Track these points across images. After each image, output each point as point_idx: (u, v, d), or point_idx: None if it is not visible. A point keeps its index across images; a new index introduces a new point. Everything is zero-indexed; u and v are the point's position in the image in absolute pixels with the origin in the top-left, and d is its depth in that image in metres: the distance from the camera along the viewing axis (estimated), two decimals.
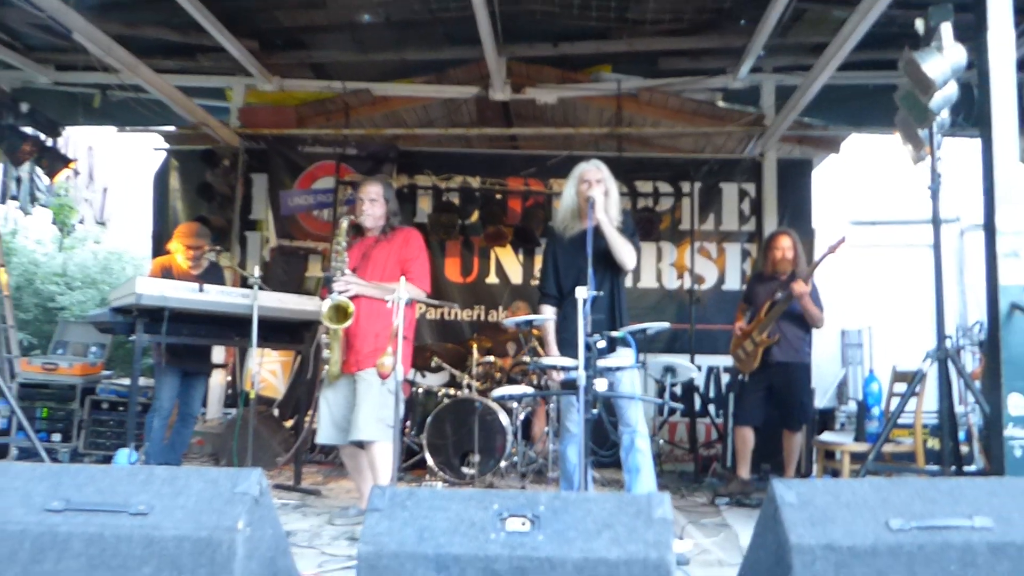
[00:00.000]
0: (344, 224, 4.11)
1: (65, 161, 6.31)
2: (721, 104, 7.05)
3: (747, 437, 5.20)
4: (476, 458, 5.22)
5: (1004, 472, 3.19)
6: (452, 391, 5.68)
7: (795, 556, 2.01)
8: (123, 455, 4.20)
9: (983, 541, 2.04)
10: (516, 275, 7.42)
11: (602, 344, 3.24)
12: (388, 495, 2.22)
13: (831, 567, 2.01)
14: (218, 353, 6.46)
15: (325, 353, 4.07)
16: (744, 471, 5.19)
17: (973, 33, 3.54)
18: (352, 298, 3.97)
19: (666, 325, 3.55)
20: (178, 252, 5.26)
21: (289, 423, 6.61)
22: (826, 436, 5.28)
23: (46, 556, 2.05)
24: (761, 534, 2.28)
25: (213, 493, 2.16)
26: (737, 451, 5.27)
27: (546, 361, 3.62)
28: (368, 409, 3.91)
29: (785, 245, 5.27)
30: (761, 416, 5.24)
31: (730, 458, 5.87)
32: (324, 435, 4.13)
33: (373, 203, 4.15)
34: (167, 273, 5.18)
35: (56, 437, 5.97)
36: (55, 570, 2.05)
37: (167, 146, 7.80)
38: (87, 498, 2.16)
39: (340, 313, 3.90)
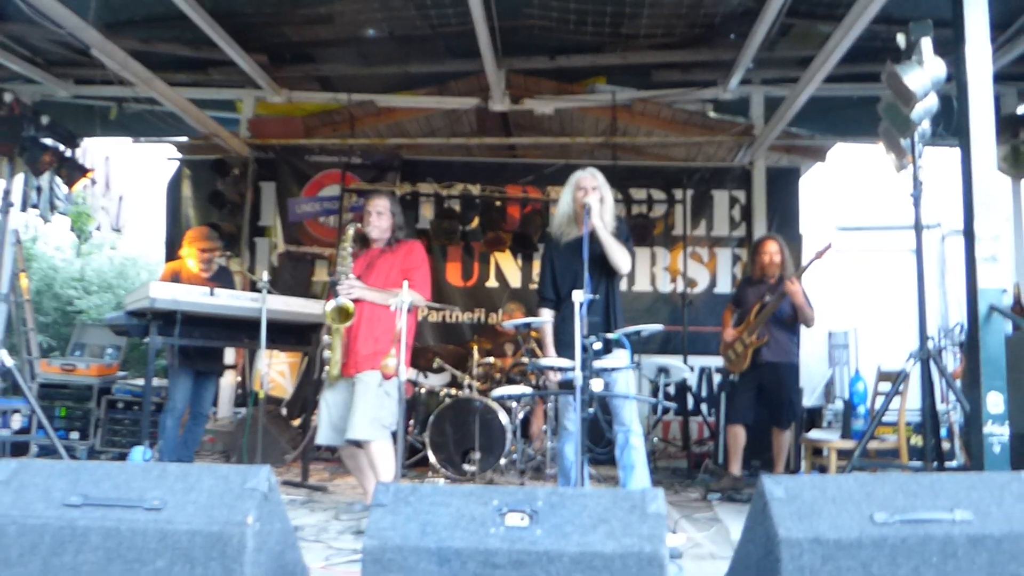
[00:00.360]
0: (350, 231, 4.16)
1: (83, 171, 6.33)
2: (712, 115, 7.11)
3: (738, 435, 5.29)
4: (477, 456, 5.29)
5: (984, 467, 3.26)
6: (453, 391, 5.76)
7: (783, 549, 2.04)
8: (138, 452, 4.25)
9: (963, 533, 2.06)
10: (515, 279, 7.51)
11: (598, 345, 3.28)
12: (392, 491, 2.24)
13: (818, 559, 2.03)
14: (228, 354, 6.51)
15: (326, 354, 4.10)
16: (735, 468, 5.27)
17: (952, 47, 3.64)
18: (354, 302, 4.01)
19: (659, 327, 3.59)
20: (190, 256, 5.32)
21: (296, 422, 6.67)
22: (814, 434, 5.37)
23: (65, 549, 2.08)
24: (751, 528, 2.30)
25: (224, 489, 2.18)
26: (729, 448, 5.35)
27: (544, 362, 3.65)
28: (363, 409, 3.92)
29: (772, 250, 5.38)
30: (752, 415, 5.32)
31: (721, 455, 5.96)
32: (323, 436, 4.14)
33: (380, 216, 4.20)
34: (176, 278, 5.23)
35: (74, 435, 6.05)
36: (74, 562, 2.07)
37: (180, 156, 7.94)
38: (104, 493, 2.18)
39: (342, 314, 3.95)
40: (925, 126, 3.83)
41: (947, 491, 2.19)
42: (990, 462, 3.27)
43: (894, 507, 2.14)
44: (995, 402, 3.32)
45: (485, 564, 2.08)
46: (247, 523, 2.08)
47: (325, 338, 4.16)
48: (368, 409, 3.92)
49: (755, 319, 5.27)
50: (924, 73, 3.67)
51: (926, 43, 3.70)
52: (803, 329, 5.37)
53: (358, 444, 4.00)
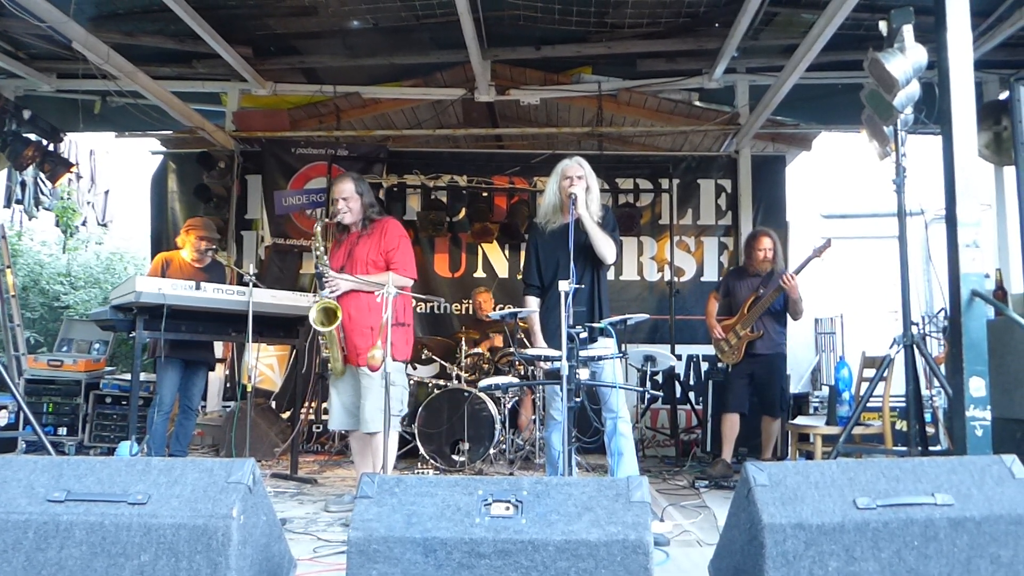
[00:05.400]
0: (318, 229, 4.11)
1: (67, 165, 6.31)
2: (697, 104, 7.12)
3: (734, 423, 5.36)
4: (466, 446, 5.33)
5: (967, 451, 3.23)
6: (442, 382, 5.79)
7: (767, 534, 2.06)
8: (125, 447, 4.25)
9: (944, 517, 2.10)
10: (502, 270, 7.53)
11: (584, 335, 3.28)
12: (377, 482, 2.25)
13: (801, 544, 2.06)
14: (218, 347, 6.46)
15: (325, 353, 4.14)
16: (729, 454, 5.33)
17: (933, 35, 3.63)
18: (344, 294, 4.04)
19: (646, 316, 3.61)
20: (186, 244, 5.30)
21: (286, 415, 6.69)
22: (800, 420, 5.40)
23: (49, 544, 2.09)
24: (735, 514, 2.32)
25: (208, 482, 2.19)
26: (724, 436, 5.41)
27: (530, 352, 3.64)
28: (373, 402, 3.99)
29: (767, 246, 5.45)
30: (747, 403, 5.40)
31: (710, 443, 6.04)
32: (336, 421, 4.23)
33: (347, 201, 4.20)
34: (167, 264, 5.23)
35: (62, 431, 6.06)
36: (58, 558, 2.08)
37: (165, 150, 7.89)
38: (87, 488, 2.19)
39: (329, 315, 3.95)
40: (908, 113, 3.84)
41: (929, 475, 2.22)
42: (972, 446, 3.28)
43: (876, 492, 2.17)
44: (977, 386, 3.32)
45: (470, 554, 2.10)
46: (232, 516, 2.09)
47: (321, 338, 4.15)
48: (377, 400, 3.96)
49: (749, 312, 5.33)
50: (906, 60, 3.69)
51: (908, 30, 3.72)
52: (788, 317, 5.43)
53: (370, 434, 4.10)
